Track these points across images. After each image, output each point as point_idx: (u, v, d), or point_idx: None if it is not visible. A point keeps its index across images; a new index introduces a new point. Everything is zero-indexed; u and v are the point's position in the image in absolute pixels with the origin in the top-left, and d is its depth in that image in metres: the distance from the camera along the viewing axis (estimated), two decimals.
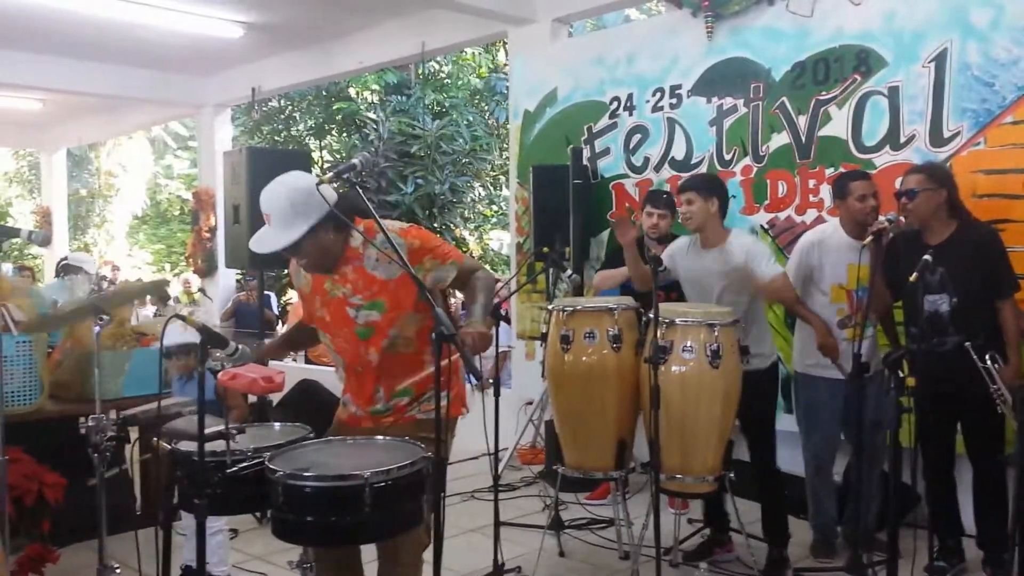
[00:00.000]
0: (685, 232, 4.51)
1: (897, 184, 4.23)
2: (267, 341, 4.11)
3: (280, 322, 12.55)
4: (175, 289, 13.84)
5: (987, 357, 3.65)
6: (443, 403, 2.83)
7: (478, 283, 3.00)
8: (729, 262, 4.19)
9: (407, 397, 2.98)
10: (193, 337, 3.69)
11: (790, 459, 4.72)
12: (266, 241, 2.83)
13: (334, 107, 13.57)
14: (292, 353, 7.46)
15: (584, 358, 4.11)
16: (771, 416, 4.36)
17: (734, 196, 5.18)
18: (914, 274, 3.67)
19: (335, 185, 2.73)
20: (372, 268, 2.89)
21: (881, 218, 4.04)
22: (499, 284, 3.41)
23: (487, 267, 3.19)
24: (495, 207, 14.96)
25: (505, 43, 9.64)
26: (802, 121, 5.27)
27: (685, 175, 5.82)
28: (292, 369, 7.84)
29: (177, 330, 3.77)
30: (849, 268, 4.25)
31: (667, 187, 5.91)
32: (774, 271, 4.17)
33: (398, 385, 2.97)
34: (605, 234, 6.28)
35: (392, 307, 2.86)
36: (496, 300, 3.41)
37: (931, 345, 3.89)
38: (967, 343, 3.68)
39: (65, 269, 6.84)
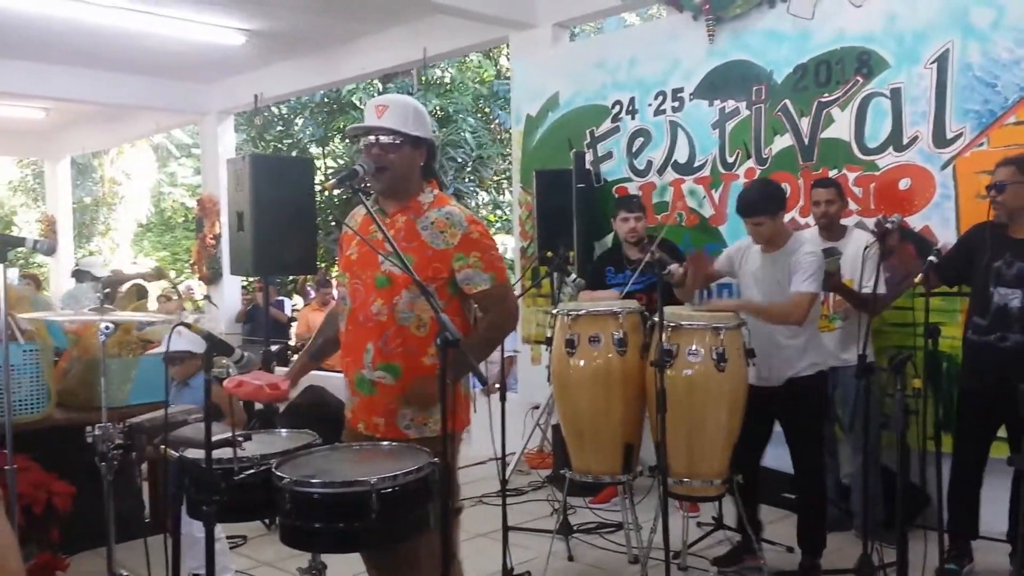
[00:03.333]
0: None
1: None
2: (293, 362, 3.95)
3: (292, 324, 12.57)
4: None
5: None
6: (438, 417, 2.84)
7: (481, 333, 2.95)
8: (782, 269, 4.09)
9: (392, 376, 2.87)
10: (192, 344, 3.73)
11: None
12: (377, 121, 2.86)
13: (335, 120, 13.57)
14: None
15: (589, 362, 4.12)
16: (818, 424, 4.22)
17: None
18: (919, 275, 3.67)
19: (338, 191, 2.75)
20: (422, 228, 2.87)
21: (888, 221, 4.04)
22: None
23: (515, 308, 3.13)
24: (499, 212, 14.97)
25: (507, 48, 9.67)
26: (804, 123, 5.28)
27: (688, 178, 5.85)
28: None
29: (177, 336, 3.82)
30: None
31: (670, 191, 5.93)
32: (800, 289, 3.99)
33: (387, 359, 2.87)
34: (609, 238, 6.28)
35: (416, 269, 2.72)
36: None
37: (995, 339, 3.83)
38: None
39: (77, 275, 6.89)
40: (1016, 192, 3.88)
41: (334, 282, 11.27)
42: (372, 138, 2.86)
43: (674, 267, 4.43)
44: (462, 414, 3.00)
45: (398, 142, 2.85)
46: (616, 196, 5.99)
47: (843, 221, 4.78)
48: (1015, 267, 3.79)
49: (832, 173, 5.09)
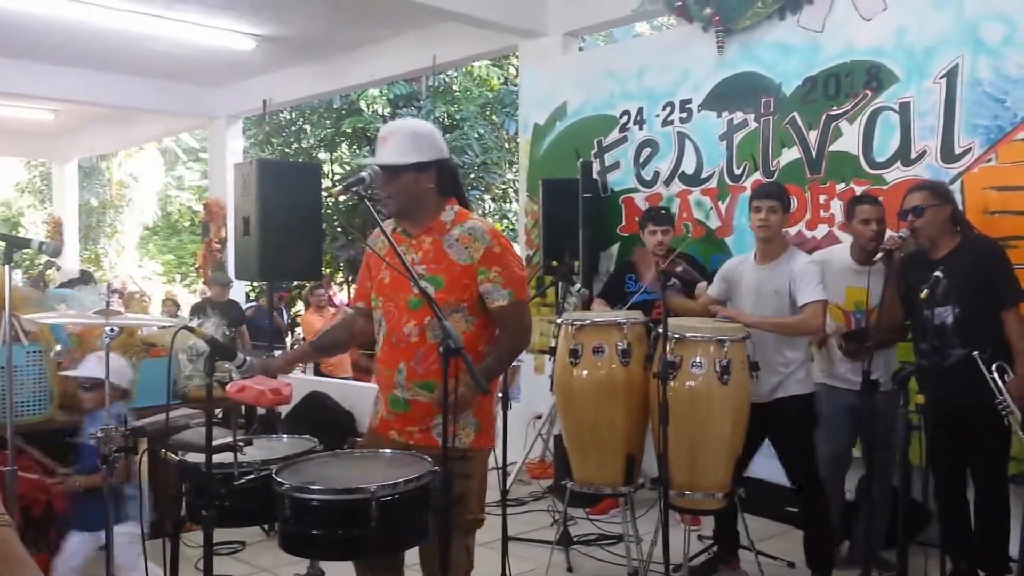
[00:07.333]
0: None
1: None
2: (294, 348, 4.01)
3: (290, 332, 12.57)
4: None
5: (994, 368, 3.62)
6: (472, 432, 2.89)
7: (498, 349, 2.92)
8: (781, 280, 4.15)
9: (427, 392, 2.89)
10: (112, 372, 3.69)
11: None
12: (377, 159, 2.87)
13: (343, 124, 13.59)
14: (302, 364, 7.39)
15: (593, 372, 4.10)
16: (808, 442, 4.23)
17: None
18: (925, 290, 3.65)
19: (344, 197, 2.74)
20: (448, 246, 2.89)
21: (894, 234, 4.06)
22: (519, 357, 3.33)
23: (529, 326, 3.05)
24: (505, 221, 14.95)
25: (516, 56, 9.69)
26: (813, 136, 5.26)
27: (695, 189, 5.84)
28: (300, 381, 7.83)
29: (92, 362, 3.78)
30: (848, 291, 4.31)
31: (677, 202, 5.91)
32: (807, 299, 4.03)
33: (423, 377, 2.89)
34: (615, 248, 6.28)
35: (447, 289, 2.81)
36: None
37: (939, 358, 3.85)
38: (975, 352, 3.64)
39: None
40: (934, 215, 3.96)
41: (334, 289, 11.23)
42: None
43: (702, 285, 4.48)
44: (492, 432, 3.05)
45: (395, 172, 2.85)
46: (647, 208, 5.90)
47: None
48: (941, 285, 3.79)
49: (840, 187, 5.08)
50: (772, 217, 4.16)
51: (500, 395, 4.39)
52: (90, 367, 3.86)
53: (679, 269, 4.42)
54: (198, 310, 9.12)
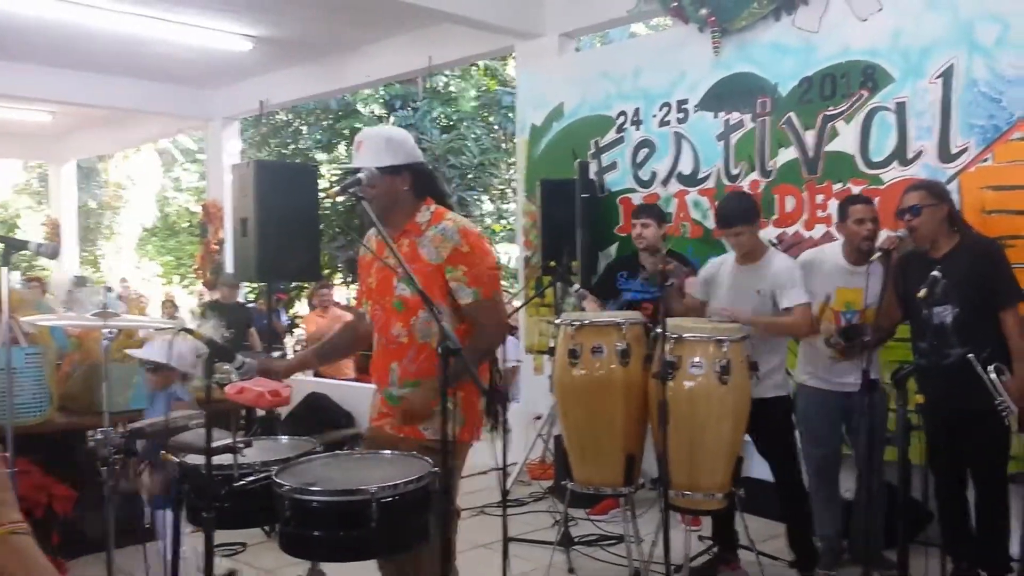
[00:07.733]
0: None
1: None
2: (296, 354, 4.06)
3: (289, 333, 12.56)
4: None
5: (991, 368, 3.62)
6: (457, 426, 2.83)
7: (470, 347, 2.88)
8: (762, 280, 4.21)
9: (417, 390, 2.95)
10: (167, 356, 3.74)
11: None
12: (353, 163, 2.97)
13: (340, 125, 13.58)
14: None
15: (592, 373, 4.11)
16: (791, 440, 4.34)
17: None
18: (923, 289, 3.65)
19: (342, 198, 2.78)
20: (422, 247, 2.95)
21: (892, 234, 4.06)
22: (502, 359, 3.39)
23: (499, 324, 3.08)
24: (503, 221, 14.96)
25: (513, 57, 9.69)
26: (809, 136, 5.28)
27: (692, 190, 5.85)
28: (300, 382, 7.84)
29: (157, 345, 3.84)
30: (839, 291, 4.31)
31: (674, 202, 5.92)
32: (794, 302, 4.14)
33: (413, 376, 2.97)
34: (613, 248, 6.28)
35: (423, 289, 2.80)
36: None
37: (938, 357, 3.86)
38: (971, 355, 3.64)
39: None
40: (931, 214, 3.97)
41: (335, 291, 11.22)
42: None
43: (691, 280, 4.55)
44: (476, 427, 3.07)
45: (372, 176, 2.91)
46: (621, 206, 5.96)
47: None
48: (940, 284, 3.79)
49: (837, 187, 5.09)
50: (741, 238, 4.26)
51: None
52: (154, 350, 3.89)
53: (670, 267, 4.42)
54: (204, 311, 9.07)
